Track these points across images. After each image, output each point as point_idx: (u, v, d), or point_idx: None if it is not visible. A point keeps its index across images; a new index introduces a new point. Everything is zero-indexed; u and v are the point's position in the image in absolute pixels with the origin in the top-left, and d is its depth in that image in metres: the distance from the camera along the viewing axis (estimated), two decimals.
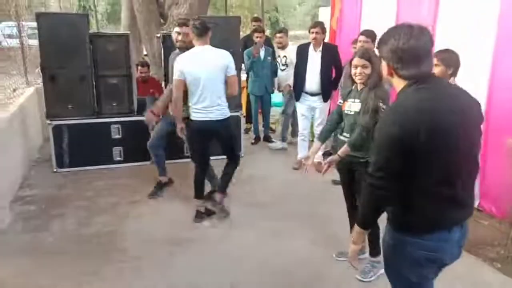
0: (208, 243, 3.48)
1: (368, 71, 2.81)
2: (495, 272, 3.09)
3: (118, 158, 5.14)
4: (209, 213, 3.90)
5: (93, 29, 10.55)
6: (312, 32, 4.86)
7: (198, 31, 3.59)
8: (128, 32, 5.59)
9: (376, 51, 1.85)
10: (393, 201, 1.68)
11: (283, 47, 6.07)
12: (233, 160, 3.96)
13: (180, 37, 3.93)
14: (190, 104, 3.70)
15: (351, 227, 3.20)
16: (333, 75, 5.08)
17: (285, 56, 6.04)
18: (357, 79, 2.85)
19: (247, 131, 6.57)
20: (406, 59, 1.60)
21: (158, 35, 5.44)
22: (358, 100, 2.87)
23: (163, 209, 4.10)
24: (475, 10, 3.87)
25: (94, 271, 3.05)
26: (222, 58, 3.66)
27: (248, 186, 4.68)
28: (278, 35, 6.14)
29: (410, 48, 1.58)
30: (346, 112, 2.94)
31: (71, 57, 4.82)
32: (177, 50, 3.98)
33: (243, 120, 5.71)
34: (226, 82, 3.70)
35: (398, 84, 1.67)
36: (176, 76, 3.62)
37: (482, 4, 3.84)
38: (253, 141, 6.30)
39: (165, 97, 4.12)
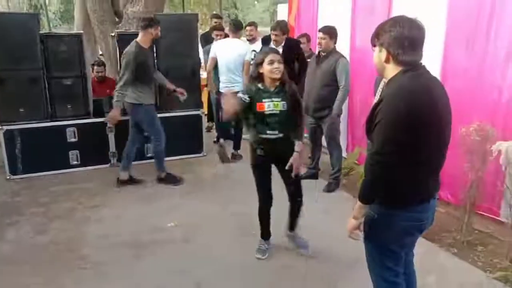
0: (174, 244, 3.43)
1: (282, 66, 2.92)
2: (451, 256, 3.21)
3: (75, 162, 4.97)
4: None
5: (44, 29, 10.16)
6: (273, 34, 4.86)
7: (233, 28, 5.04)
8: (82, 31, 5.40)
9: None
10: (400, 173, 1.75)
11: (252, 40, 5.81)
12: None
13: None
14: (220, 78, 5.06)
15: (262, 224, 3.26)
16: (296, 69, 5.00)
17: (253, 51, 5.87)
18: (274, 74, 2.88)
19: (208, 129, 6.51)
20: (407, 46, 1.75)
21: (113, 34, 5.30)
22: (278, 99, 2.93)
23: (124, 212, 4.00)
24: (426, 3, 4.00)
25: (53, 279, 2.94)
26: (242, 47, 5.05)
27: (212, 185, 4.65)
28: (248, 28, 5.91)
29: (412, 36, 1.75)
30: (269, 112, 2.93)
31: (21, 58, 4.64)
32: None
33: (204, 119, 5.66)
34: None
35: (392, 70, 1.82)
36: (210, 55, 5.13)
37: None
38: (215, 139, 6.24)
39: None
